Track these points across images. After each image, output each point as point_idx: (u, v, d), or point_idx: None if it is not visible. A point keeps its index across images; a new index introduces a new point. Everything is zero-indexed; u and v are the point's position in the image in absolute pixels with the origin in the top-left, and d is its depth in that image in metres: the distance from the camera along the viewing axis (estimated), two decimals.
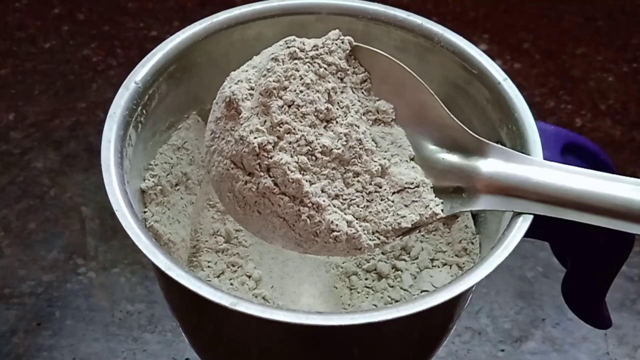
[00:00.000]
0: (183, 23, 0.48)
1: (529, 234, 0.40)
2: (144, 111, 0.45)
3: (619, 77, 0.75)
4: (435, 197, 0.42)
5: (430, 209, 0.41)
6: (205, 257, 0.47)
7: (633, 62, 0.77)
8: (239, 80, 0.41)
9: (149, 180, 0.46)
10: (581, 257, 0.45)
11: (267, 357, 0.44)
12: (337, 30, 0.42)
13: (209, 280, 0.46)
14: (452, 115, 0.42)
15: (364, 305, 0.46)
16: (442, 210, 0.42)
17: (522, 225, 0.40)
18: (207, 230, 0.48)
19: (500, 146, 0.42)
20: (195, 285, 0.38)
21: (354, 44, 0.42)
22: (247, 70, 0.42)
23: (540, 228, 0.41)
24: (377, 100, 0.43)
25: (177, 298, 0.44)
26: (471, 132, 0.42)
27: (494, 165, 0.41)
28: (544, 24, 0.79)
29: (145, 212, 0.45)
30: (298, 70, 0.40)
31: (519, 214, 0.40)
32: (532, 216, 0.40)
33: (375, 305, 0.46)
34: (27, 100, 0.72)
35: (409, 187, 0.42)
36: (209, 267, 0.47)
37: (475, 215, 0.48)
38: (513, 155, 0.42)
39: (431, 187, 0.42)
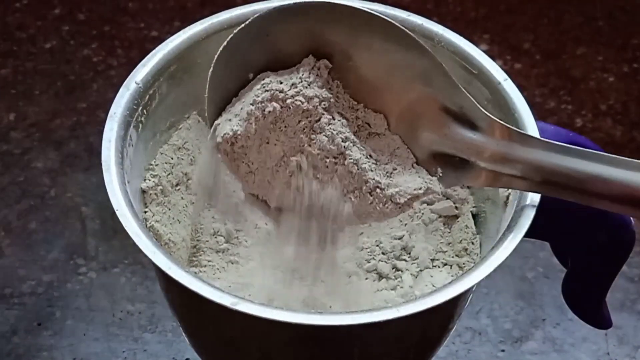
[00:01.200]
0: (183, 23, 0.48)
1: (529, 234, 0.40)
2: (145, 111, 0.45)
3: (619, 77, 0.75)
4: (439, 168, 0.45)
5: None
6: (206, 257, 0.47)
7: (633, 62, 0.77)
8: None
9: (149, 180, 0.46)
10: (581, 257, 0.45)
11: (268, 357, 0.44)
12: (310, 57, 0.44)
13: None
14: (457, 82, 0.42)
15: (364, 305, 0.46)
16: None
17: (523, 225, 0.40)
18: (208, 230, 0.48)
19: (506, 124, 0.42)
20: (196, 285, 0.38)
21: (353, 6, 0.43)
22: (230, 120, 0.44)
23: (540, 228, 0.41)
24: (367, 110, 0.44)
25: (178, 298, 0.44)
26: (476, 103, 0.42)
27: (499, 143, 0.42)
28: (544, 24, 0.79)
29: (145, 212, 0.45)
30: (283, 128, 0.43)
31: (523, 207, 0.41)
32: (532, 216, 0.40)
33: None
34: (28, 100, 0.72)
35: (417, 196, 0.43)
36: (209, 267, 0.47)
37: (475, 215, 0.48)
38: (519, 134, 0.42)
39: (438, 194, 0.44)
